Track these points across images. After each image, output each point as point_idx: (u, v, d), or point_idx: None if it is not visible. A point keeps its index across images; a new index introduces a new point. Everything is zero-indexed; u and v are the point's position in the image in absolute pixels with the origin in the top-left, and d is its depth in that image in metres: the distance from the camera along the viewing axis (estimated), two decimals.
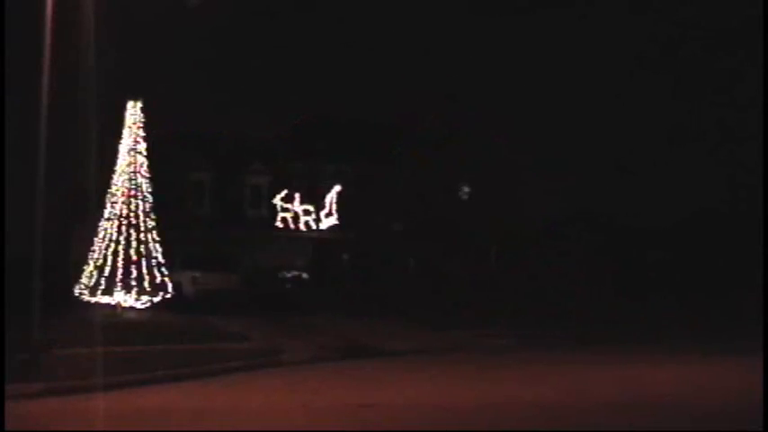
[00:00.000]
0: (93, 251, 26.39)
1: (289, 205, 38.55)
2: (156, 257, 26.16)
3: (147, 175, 26.92)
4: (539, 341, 22.23)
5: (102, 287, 25.45)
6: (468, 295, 34.96)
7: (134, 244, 25.90)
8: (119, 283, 25.37)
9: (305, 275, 35.44)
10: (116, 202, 26.51)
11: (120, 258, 25.69)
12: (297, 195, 38.68)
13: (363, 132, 40.57)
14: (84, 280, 26.20)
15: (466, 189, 42.45)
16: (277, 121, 41.46)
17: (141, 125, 26.98)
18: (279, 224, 38.44)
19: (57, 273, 24.18)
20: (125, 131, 26.99)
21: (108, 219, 26.48)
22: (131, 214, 26.23)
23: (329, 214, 39.26)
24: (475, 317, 27.34)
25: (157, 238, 26.46)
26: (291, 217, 38.65)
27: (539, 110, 42.68)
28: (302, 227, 38.79)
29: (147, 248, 26.03)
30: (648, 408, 12.41)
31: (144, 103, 27.18)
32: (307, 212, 38.87)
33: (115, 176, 26.88)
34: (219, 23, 39.43)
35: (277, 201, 38.40)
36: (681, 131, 41.35)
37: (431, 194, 39.76)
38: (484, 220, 40.87)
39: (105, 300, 25.39)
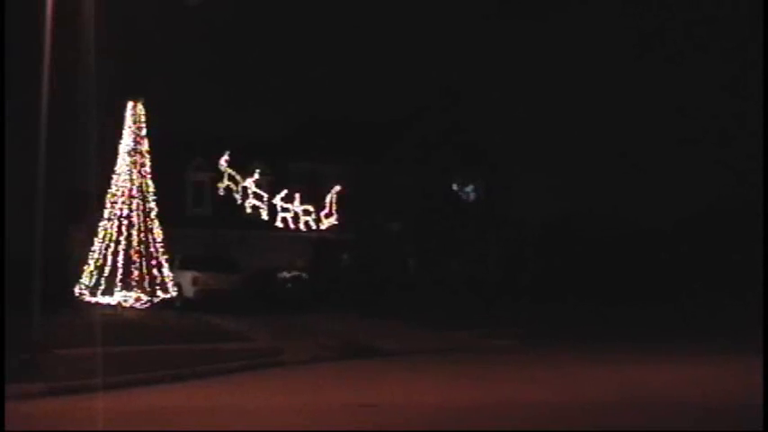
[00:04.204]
0: (93, 251, 26.39)
1: (289, 205, 38.54)
2: (156, 257, 26.15)
3: (148, 175, 26.91)
4: (539, 341, 22.23)
5: (102, 287, 25.44)
6: (468, 295, 34.96)
7: (134, 244, 25.89)
8: (119, 283, 25.36)
9: (305, 275, 35.42)
10: (116, 203, 26.51)
11: (120, 258, 25.70)
12: (297, 195, 38.67)
13: (363, 132, 40.53)
14: (84, 280, 26.19)
15: (467, 189, 42.43)
16: (277, 121, 41.38)
17: (141, 125, 26.98)
18: (279, 224, 38.42)
19: (57, 273, 24.18)
20: (125, 131, 26.99)
21: (108, 219, 26.47)
22: (131, 214, 26.24)
23: (329, 214, 39.24)
24: (475, 317, 27.35)
25: (157, 238, 26.45)
26: (291, 217, 38.64)
27: (540, 109, 42.66)
28: (302, 227, 38.77)
29: (147, 248, 26.02)
30: (648, 408, 12.42)
31: (144, 103, 27.16)
32: (307, 212, 38.86)
33: (115, 176, 26.88)
34: (220, 23, 39.39)
35: (277, 201, 38.38)
36: (683, 131, 41.37)
37: (431, 194, 39.74)
38: (484, 219, 40.87)
39: (105, 300, 25.38)
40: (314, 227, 38.95)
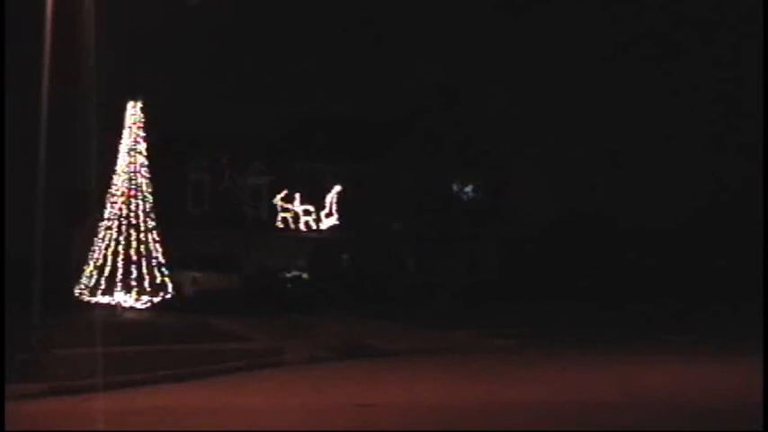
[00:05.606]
0: (93, 251, 26.38)
1: (289, 205, 38.54)
2: (156, 257, 26.15)
3: (147, 175, 26.91)
4: (538, 341, 22.22)
5: (102, 287, 25.43)
6: (467, 295, 34.98)
7: (134, 244, 25.89)
8: (119, 283, 25.36)
9: (305, 275, 35.43)
10: (116, 203, 26.51)
11: (120, 258, 25.69)
12: (297, 195, 38.68)
13: (363, 132, 40.56)
14: (84, 280, 26.18)
15: (467, 189, 42.46)
16: (277, 121, 41.43)
17: (141, 125, 26.98)
18: (279, 224, 38.42)
19: (57, 273, 24.18)
20: (125, 131, 26.99)
21: (108, 219, 26.47)
22: (131, 214, 26.23)
23: (329, 214, 39.26)
24: (474, 317, 27.35)
25: (157, 238, 26.45)
26: (291, 217, 38.64)
27: (540, 109, 42.72)
28: (302, 227, 38.78)
29: (147, 248, 26.02)
30: (648, 408, 12.41)
31: (144, 103, 27.16)
32: (307, 212, 38.87)
33: (115, 176, 26.88)
34: (220, 23, 39.42)
35: (277, 201, 38.38)
36: (684, 131, 41.42)
37: (431, 194, 39.76)
38: (484, 219, 40.89)
39: (105, 300, 25.38)
40: (314, 227, 38.96)
